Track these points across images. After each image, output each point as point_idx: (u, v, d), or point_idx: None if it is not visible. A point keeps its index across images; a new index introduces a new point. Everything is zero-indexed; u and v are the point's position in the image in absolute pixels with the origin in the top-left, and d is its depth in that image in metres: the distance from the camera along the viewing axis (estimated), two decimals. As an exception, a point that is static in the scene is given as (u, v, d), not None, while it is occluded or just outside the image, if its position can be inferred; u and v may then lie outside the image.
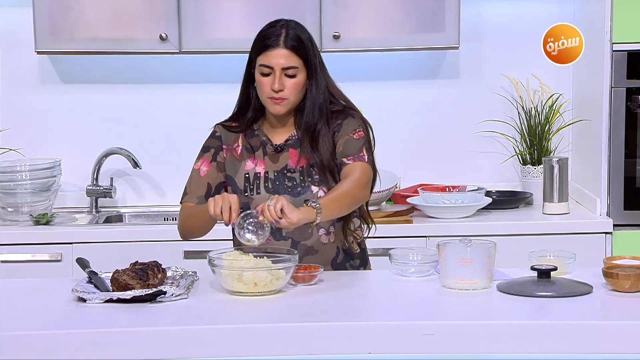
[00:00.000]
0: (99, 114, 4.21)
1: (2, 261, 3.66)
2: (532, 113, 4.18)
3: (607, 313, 2.36)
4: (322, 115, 2.75)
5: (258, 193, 2.76)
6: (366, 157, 2.76)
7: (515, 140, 4.24)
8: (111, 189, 4.14)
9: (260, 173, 2.78)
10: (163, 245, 3.64)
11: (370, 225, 2.88)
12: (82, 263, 2.66)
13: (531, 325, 2.23)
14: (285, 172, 2.77)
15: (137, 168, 4.13)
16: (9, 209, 3.88)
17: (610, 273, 2.45)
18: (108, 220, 4.09)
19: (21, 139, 4.11)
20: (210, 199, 2.57)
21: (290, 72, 2.70)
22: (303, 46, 2.71)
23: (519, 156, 4.23)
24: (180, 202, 2.85)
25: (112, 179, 4.19)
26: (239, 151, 2.81)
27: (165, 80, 4.22)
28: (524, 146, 4.21)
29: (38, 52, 3.92)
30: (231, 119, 2.86)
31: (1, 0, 4.09)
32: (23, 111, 4.17)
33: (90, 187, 4.14)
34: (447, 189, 4.01)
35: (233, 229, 2.73)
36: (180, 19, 3.86)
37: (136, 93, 4.21)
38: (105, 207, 4.19)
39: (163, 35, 3.85)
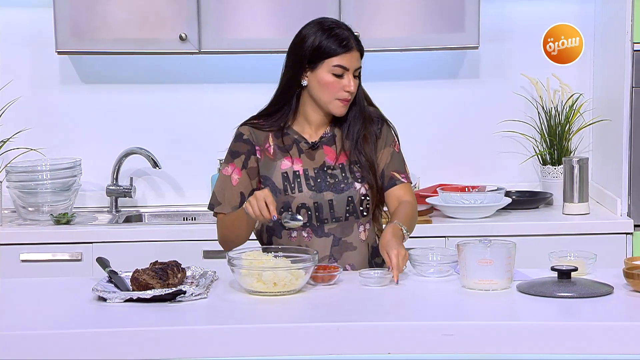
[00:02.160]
0: (118, 114, 4.23)
1: (23, 260, 3.68)
2: (552, 113, 4.17)
3: (628, 314, 2.35)
4: (367, 117, 2.82)
5: (300, 191, 2.76)
6: (410, 175, 2.87)
7: (535, 140, 4.23)
8: (131, 189, 4.16)
9: (299, 171, 2.79)
10: (183, 245, 3.65)
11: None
12: (103, 262, 2.67)
13: (552, 326, 2.22)
14: (325, 169, 2.79)
15: (157, 168, 4.14)
16: (30, 209, 3.90)
17: (631, 274, 2.44)
18: (128, 219, 4.10)
19: (42, 139, 4.13)
20: (246, 204, 2.60)
21: (356, 72, 2.77)
22: (363, 49, 2.80)
23: (539, 156, 4.22)
24: (212, 211, 2.83)
25: (132, 178, 4.20)
26: (272, 151, 2.81)
27: (185, 81, 4.23)
28: (544, 146, 4.19)
29: (59, 53, 3.94)
30: (258, 117, 2.85)
31: (23, 1, 4.12)
32: (44, 111, 4.19)
33: (110, 187, 4.15)
34: (466, 189, 4.00)
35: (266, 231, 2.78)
36: (200, 19, 3.87)
37: (156, 93, 4.23)
38: (125, 206, 4.21)
39: (183, 35, 3.86)
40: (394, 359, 2.20)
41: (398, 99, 4.21)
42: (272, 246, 2.68)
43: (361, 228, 2.81)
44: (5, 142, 3.87)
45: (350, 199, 2.77)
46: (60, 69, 4.19)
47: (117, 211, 4.15)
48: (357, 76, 2.77)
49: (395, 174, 2.81)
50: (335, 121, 2.83)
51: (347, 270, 2.75)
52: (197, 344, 2.18)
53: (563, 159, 3.98)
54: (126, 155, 4.16)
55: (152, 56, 4.09)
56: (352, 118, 2.80)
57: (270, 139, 2.82)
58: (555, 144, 4.15)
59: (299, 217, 2.67)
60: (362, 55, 2.78)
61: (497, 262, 2.46)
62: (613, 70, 3.87)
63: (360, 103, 2.81)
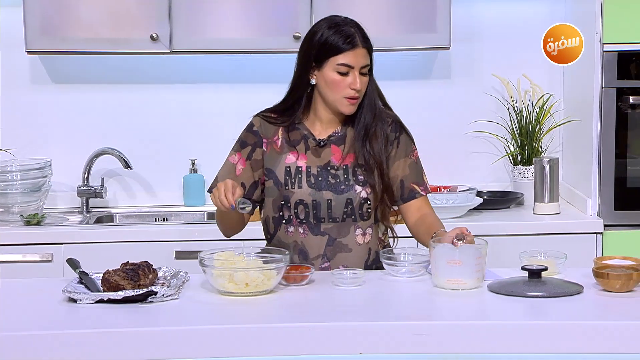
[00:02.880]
0: (90, 114, 4.21)
1: (-7, 261, 3.66)
2: (523, 113, 4.19)
3: (598, 313, 2.37)
4: (377, 115, 2.79)
5: (300, 187, 2.76)
6: (429, 186, 2.87)
7: (506, 141, 4.25)
8: (102, 189, 4.13)
9: (302, 167, 2.78)
10: (154, 246, 3.63)
11: (395, 235, 2.91)
12: (73, 263, 2.66)
13: (523, 325, 2.24)
14: (328, 168, 2.78)
15: (128, 168, 4.12)
16: (0, 210, 3.87)
17: (600, 273, 2.46)
18: (99, 220, 4.08)
19: (12, 139, 4.10)
20: (211, 196, 2.63)
21: (364, 70, 2.74)
22: (371, 46, 2.77)
23: (510, 156, 4.24)
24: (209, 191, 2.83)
25: (103, 179, 4.18)
26: (279, 144, 2.81)
27: (157, 81, 4.21)
28: (515, 146, 4.21)
29: (29, 52, 3.91)
30: (272, 110, 2.85)
31: (-8, 0, 4.09)
32: (14, 111, 4.16)
33: (81, 187, 4.13)
34: (438, 189, 4.02)
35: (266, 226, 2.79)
36: (172, 19, 3.86)
37: (128, 93, 4.21)
38: (96, 207, 4.18)
39: (154, 35, 3.85)
40: (366, 359, 2.20)
41: (370, 99, 4.21)
42: (246, 247, 2.68)
43: (359, 231, 2.79)
44: (-26, 142, 3.84)
45: (349, 200, 2.76)
46: (30, 68, 4.16)
47: (88, 212, 4.13)
48: (366, 74, 2.75)
49: (415, 186, 2.80)
50: (347, 121, 2.80)
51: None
52: (169, 344, 2.17)
53: (534, 159, 4.00)
54: (97, 155, 4.14)
55: (124, 56, 4.07)
56: (363, 115, 2.78)
57: (280, 133, 2.82)
58: (526, 144, 4.18)
59: (247, 202, 2.59)
60: (370, 52, 2.76)
61: (466, 262, 2.47)
62: (583, 71, 3.90)
63: (371, 100, 2.78)
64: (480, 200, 3.95)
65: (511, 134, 4.22)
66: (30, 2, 3.82)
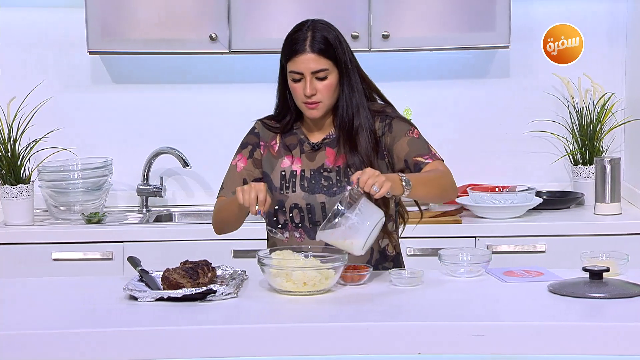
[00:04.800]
0: (149, 113, 4.25)
1: (55, 259, 3.71)
2: (584, 112, 4.14)
3: (661, 315, 2.33)
4: (359, 113, 2.72)
5: (294, 191, 2.75)
6: (439, 155, 2.73)
7: (567, 140, 4.20)
8: (161, 188, 4.17)
9: (296, 171, 2.77)
10: (212, 244, 3.65)
11: (406, 220, 2.84)
12: (134, 261, 2.69)
13: (583, 326, 2.21)
14: (321, 171, 2.76)
15: (187, 167, 4.15)
16: (62, 208, 3.92)
17: (664, 274, 2.42)
18: (158, 219, 4.12)
19: (73, 139, 4.16)
20: (239, 188, 2.56)
21: (320, 74, 2.67)
22: (330, 47, 2.67)
23: (570, 156, 4.19)
24: (217, 198, 2.85)
25: (162, 178, 4.22)
26: (276, 149, 2.81)
27: (215, 80, 4.24)
28: (575, 146, 4.17)
29: (90, 53, 3.96)
30: (272, 117, 2.85)
31: (54, 2, 4.15)
32: (75, 111, 4.22)
33: (141, 186, 4.18)
34: (496, 189, 3.98)
35: (268, 232, 2.77)
36: (230, 19, 3.88)
37: (186, 93, 4.24)
38: (155, 206, 4.23)
39: (213, 35, 3.88)
40: (424, 359, 2.19)
41: (427, 98, 4.20)
42: (303, 246, 2.67)
43: None
44: (37, 142, 3.90)
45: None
46: (91, 68, 4.21)
47: (148, 211, 4.17)
48: (323, 78, 2.66)
49: (418, 158, 2.69)
50: (338, 122, 2.76)
51: None
52: (228, 343, 2.18)
53: (594, 158, 3.95)
54: (156, 154, 4.18)
55: (182, 56, 4.10)
56: (338, 119, 2.73)
57: (278, 137, 2.82)
58: (587, 143, 4.13)
59: (282, 237, 2.62)
60: (328, 55, 2.65)
61: (336, 243, 2.46)
62: (645, 70, 3.84)
63: (347, 101, 2.71)
64: (539, 200, 3.91)
65: (571, 134, 4.18)
66: (92, 3, 3.87)
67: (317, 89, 2.67)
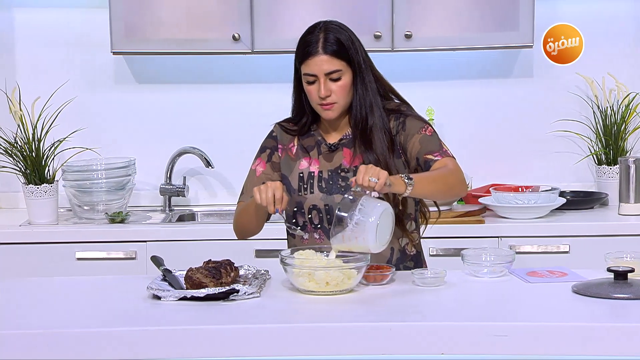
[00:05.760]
0: (172, 113, 4.26)
1: (78, 258, 3.73)
2: (608, 112, 4.11)
3: (686, 316, 2.31)
4: (373, 113, 2.72)
5: (312, 192, 2.75)
6: (450, 152, 2.72)
7: (590, 140, 4.18)
8: (184, 188, 4.19)
9: (314, 172, 2.77)
10: (235, 244, 3.64)
11: (428, 218, 2.83)
12: (157, 261, 2.69)
13: (608, 327, 2.19)
14: (339, 171, 2.76)
15: (210, 167, 4.16)
16: (85, 207, 3.94)
17: (689, 275, 2.40)
18: (181, 219, 4.13)
19: (97, 138, 4.17)
20: (255, 188, 2.58)
21: (334, 75, 2.67)
22: (343, 47, 2.68)
23: (594, 156, 4.17)
24: (237, 203, 2.86)
25: (185, 177, 4.23)
26: (294, 151, 2.82)
27: (238, 80, 4.25)
28: (599, 146, 4.14)
29: (114, 53, 3.98)
30: (290, 120, 2.86)
31: (77, 2, 4.17)
32: (99, 111, 4.24)
33: (164, 186, 4.19)
34: (519, 189, 3.97)
35: (287, 231, 2.76)
36: (253, 19, 3.89)
37: (209, 93, 4.25)
38: (178, 205, 4.24)
39: (236, 35, 3.88)
40: (448, 359, 2.19)
41: (451, 98, 4.19)
42: (325, 245, 2.67)
43: None
44: (61, 141, 3.92)
45: None
46: (114, 69, 4.23)
47: (171, 210, 4.18)
48: (337, 79, 2.67)
49: (428, 156, 2.68)
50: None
51: None
52: (251, 342, 2.18)
53: (619, 158, 3.93)
54: (179, 154, 4.19)
55: (205, 56, 4.11)
56: (353, 119, 2.73)
57: (296, 140, 2.82)
58: (611, 143, 4.10)
59: (301, 232, 2.63)
60: (340, 56, 2.66)
61: (348, 244, 2.45)
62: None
63: (361, 102, 2.71)
64: (563, 200, 3.89)
65: (595, 134, 4.15)
66: (116, 4, 3.89)
67: (332, 90, 2.68)
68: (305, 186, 2.76)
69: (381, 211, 2.46)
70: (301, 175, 2.78)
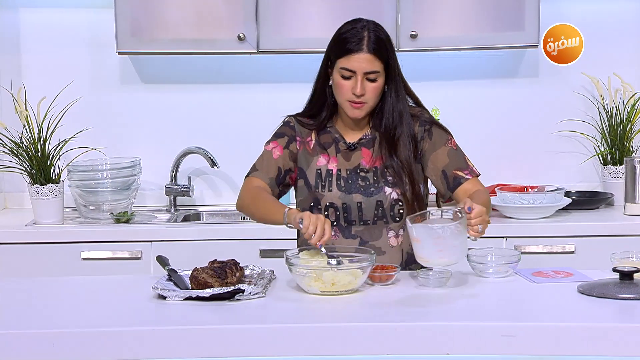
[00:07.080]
0: (177, 113, 4.27)
1: (84, 258, 3.73)
2: (614, 112, 4.11)
3: (692, 316, 2.31)
4: (402, 120, 2.73)
5: (330, 190, 2.76)
6: (476, 168, 2.77)
7: (596, 140, 4.17)
8: (189, 188, 4.19)
9: (332, 170, 2.78)
10: (240, 244, 3.67)
11: None
12: (162, 261, 2.70)
13: (614, 327, 2.19)
14: (358, 171, 2.77)
15: (215, 167, 4.17)
16: (91, 207, 3.95)
17: (695, 276, 2.40)
18: (186, 218, 4.14)
19: (102, 138, 4.18)
20: (307, 214, 2.54)
21: (371, 76, 2.68)
22: (385, 50, 2.69)
23: (600, 156, 4.16)
24: (247, 176, 2.84)
25: (190, 177, 4.24)
26: (312, 146, 2.81)
27: (243, 80, 4.25)
28: (605, 146, 4.14)
29: (119, 53, 3.98)
30: (304, 114, 2.85)
31: (83, 2, 4.18)
32: (104, 111, 4.25)
33: (169, 186, 4.19)
34: (525, 189, 3.96)
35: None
36: (258, 20, 3.89)
37: (215, 93, 4.26)
38: (183, 205, 4.24)
39: (241, 35, 3.88)
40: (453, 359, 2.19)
41: (456, 98, 4.19)
42: (330, 246, 2.67)
43: (391, 233, 2.76)
44: (66, 141, 3.92)
45: (379, 203, 2.73)
46: (120, 69, 4.24)
47: (176, 210, 4.19)
48: (374, 80, 2.67)
49: (457, 172, 2.73)
50: (376, 123, 2.77)
51: None
52: (256, 342, 2.18)
53: (624, 158, 3.93)
54: (185, 154, 4.20)
55: (210, 56, 4.12)
56: (383, 123, 2.74)
57: (313, 135, 2.82)
58: (617, 143, 4.10)
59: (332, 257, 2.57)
60: (381, 57, 2.67)
61: (424, 241, 2.42)
62: (676, 69, 3.81)
63: (391, 106, 2.72)
64: (568, 200, 3.88)
65: (601, 134, 4.15)
66: (121, 4, 3.89)
67: (366, 90, 2.68)
68: (324, 183, 2.77)
69: (462, 249, 2.47)
70: (319, 171, 2.78)
